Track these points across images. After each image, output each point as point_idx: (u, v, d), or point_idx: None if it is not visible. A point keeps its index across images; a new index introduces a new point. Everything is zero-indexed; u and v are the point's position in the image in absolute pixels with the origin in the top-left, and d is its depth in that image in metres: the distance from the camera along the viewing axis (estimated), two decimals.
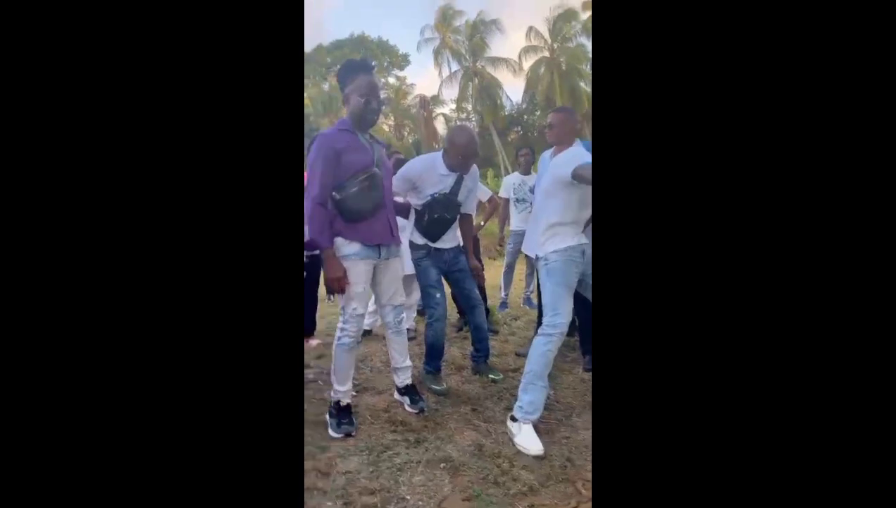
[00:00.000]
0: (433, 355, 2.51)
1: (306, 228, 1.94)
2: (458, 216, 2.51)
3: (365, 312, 2.07)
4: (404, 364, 2.24)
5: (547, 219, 2.09)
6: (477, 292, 2.62)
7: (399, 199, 2.54)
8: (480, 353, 2.67)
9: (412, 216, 2.52)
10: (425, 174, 2.42)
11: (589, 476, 1.64)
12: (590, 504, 1.44)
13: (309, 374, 2.76)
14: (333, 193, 1.90)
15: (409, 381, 2.25)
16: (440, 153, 2.47)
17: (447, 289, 2.64)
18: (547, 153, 2.52)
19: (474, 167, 2.51)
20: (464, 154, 2.36)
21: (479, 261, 2.86)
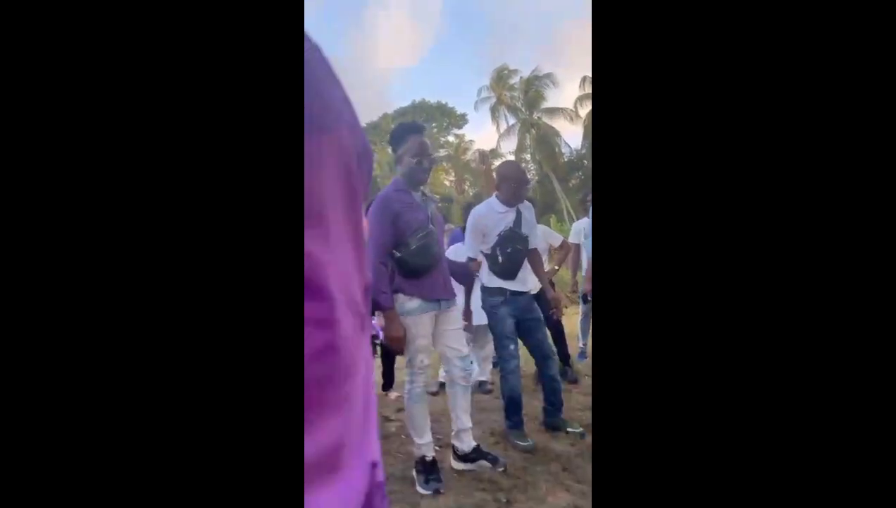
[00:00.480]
0: (512, 409, 2.45)
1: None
2: (528, 252, 2.52)
3: (430, 363, 2.11)
4: (467, 426, 2.17)
5: None
6: (549, 342, 2.58)
7: (462, 258, 2.60)
8: (554, 406, 2.59)
9: (484, 266, 2.54)
10: (487, 218, 2.49)
11: None
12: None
13: (391, 427, 2.77)
14: (394, 250, 1.99)
15: (473, 443, 2.17)
16: (493, 196, 2.56)
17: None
18: None
19: (527, 203, 2.56)
20: (515, 185, 2.44)
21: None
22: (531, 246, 2.53)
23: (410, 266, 2.01)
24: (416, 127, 2.19)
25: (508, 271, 2.46)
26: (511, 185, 2.45)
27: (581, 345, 4.25)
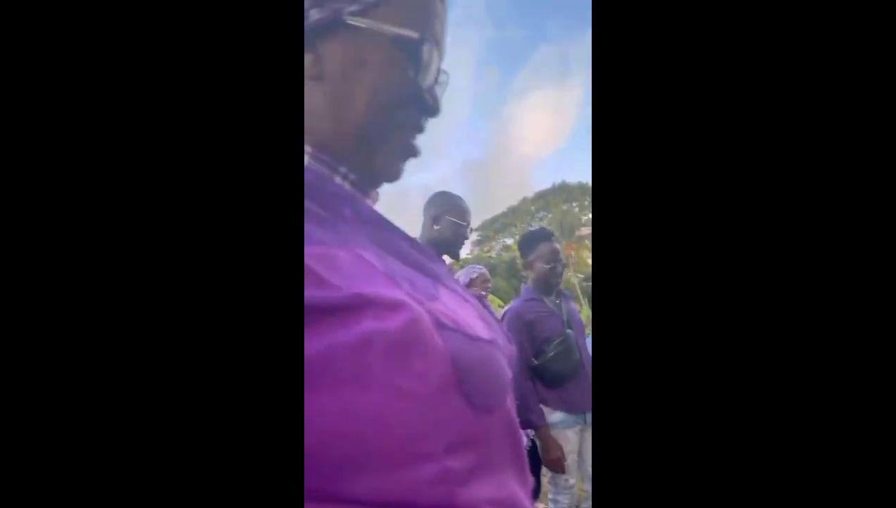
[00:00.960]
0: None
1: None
2: None
3: (575, 482, 1.95)
4: None
5: None
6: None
7: None
8: None
9: None
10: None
11: None
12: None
13: None
14: (532, 359, 1.93)
15: None
16: None
17: None
18: None
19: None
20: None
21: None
22: None
23: (550, 375, 1.93)
24: (545, 234, 2.21)
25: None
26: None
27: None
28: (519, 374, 1.82)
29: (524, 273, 2.13)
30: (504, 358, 0.45)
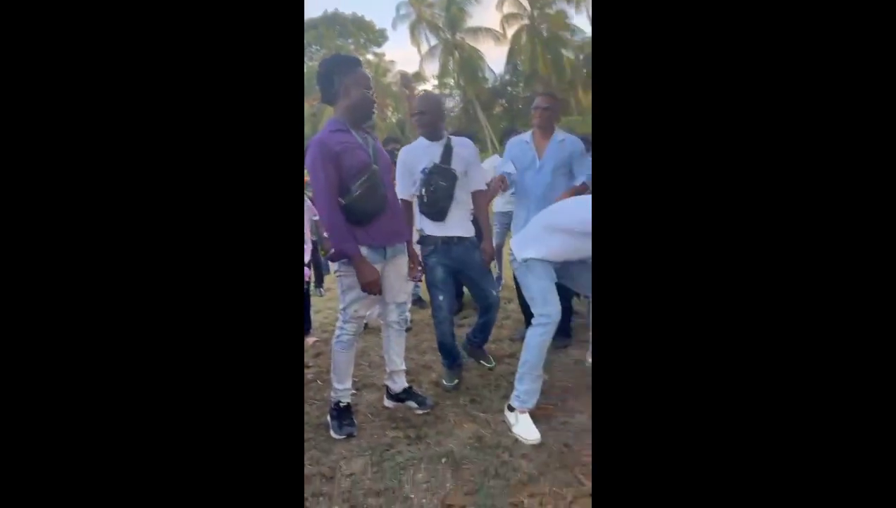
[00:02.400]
0: (443, 353, 2.47)
1: (329, 238, 1.94)
2: (472, 194, 2.34)
3: (366, 314, 2.07)
4: (401, 367, 2.22)
5: (545, 234, 2.09)
6: (494, 292, 2.41)
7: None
8: (478, 339, 2.60)
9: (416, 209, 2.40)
10: (413, 154, 2.35)
11: (586, 460, 1.70)
12: (588, 495, 1.48)
13: (308, 374, 2.74)
14: (339, 198, 1.86)
15: (405, 384, 2.23)
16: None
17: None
18: (521, 138, 2.72)
19: (464, 140, 2.40)
20: (428, 117, 2.28)
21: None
22: (474, 187, 2.34)
23: (357, 213, 1.88)
24: (356, 60, 2.01)
25: (434, 213, 2.28)
26: (425, 117, 2.29)
27: (497, 272, 4.41)
28: (328, 205, 1.82)
29: (326, 104, 1.98)
30: None
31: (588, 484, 1.52)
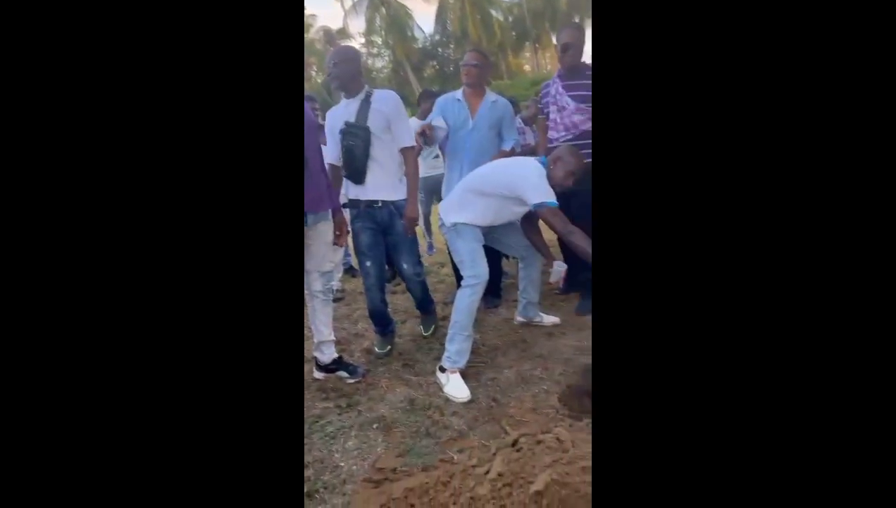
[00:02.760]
0: (374, 320, 2.41)
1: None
2: (401, 152, 2.19)
3: None
4: (329, 338, 2.15)
5: (473, 199, 2.10)
6: (406, 266, 2.30)
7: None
8: (422, 307, 2.57)
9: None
10: (335, 114, 2.25)
11: (512, 412, 1.76)
12: (510, 445, 1.47)
13: None
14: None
15: (335, 355, 2.17)
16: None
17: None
18: (452, 95, 2.64)
19: (389, 93, 2.22)
20: (339, 71, 2.12)
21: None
22: (403, 144, 2.17)
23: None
24: None
25: (352, 174, 2.17)
26: (337, 70, 2.12)
27: (428, 239, 4.34)
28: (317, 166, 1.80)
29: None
30: None
31: (512, 434, 1.57)
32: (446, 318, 2.43)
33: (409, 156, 2.21)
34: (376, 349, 2.39)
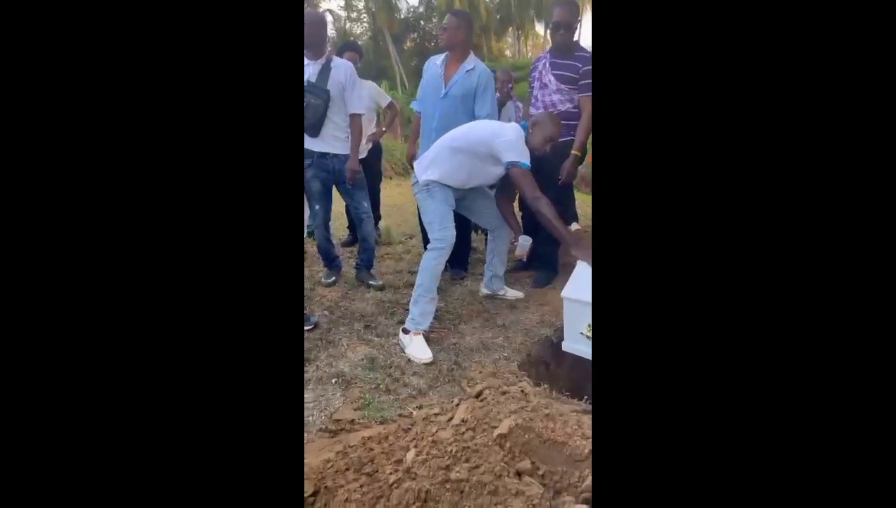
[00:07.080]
0: (322, 255, 2.71)
1: None
2: (350, 117, 2.46)
3: None
4: None
5: (448, 155, 2.12)
6: (365, 204, 2.60)
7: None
8: (363, 262, 2.76)
9: None
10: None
11: (473, 374, 1.79)
12: (471, 399, 1.40)
13: None
14: None
15: None
16: None
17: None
18: (435, 59, 2.60)
19: (346, 62, 2.52)
20: (309, 33, 2.32)
21: (380, 170, 2.78)
22: (351, 110, 2.46)
23: None
24: None
25: (309, 128, 2.40)
26: (305, 32, 2.26)
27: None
28: None
29: None
30: None
31: (469, 390, 1.55)
32: (412, 285, 2.36)
33: (355, 120, 2.52)
34: (323, 280, 2.67)
